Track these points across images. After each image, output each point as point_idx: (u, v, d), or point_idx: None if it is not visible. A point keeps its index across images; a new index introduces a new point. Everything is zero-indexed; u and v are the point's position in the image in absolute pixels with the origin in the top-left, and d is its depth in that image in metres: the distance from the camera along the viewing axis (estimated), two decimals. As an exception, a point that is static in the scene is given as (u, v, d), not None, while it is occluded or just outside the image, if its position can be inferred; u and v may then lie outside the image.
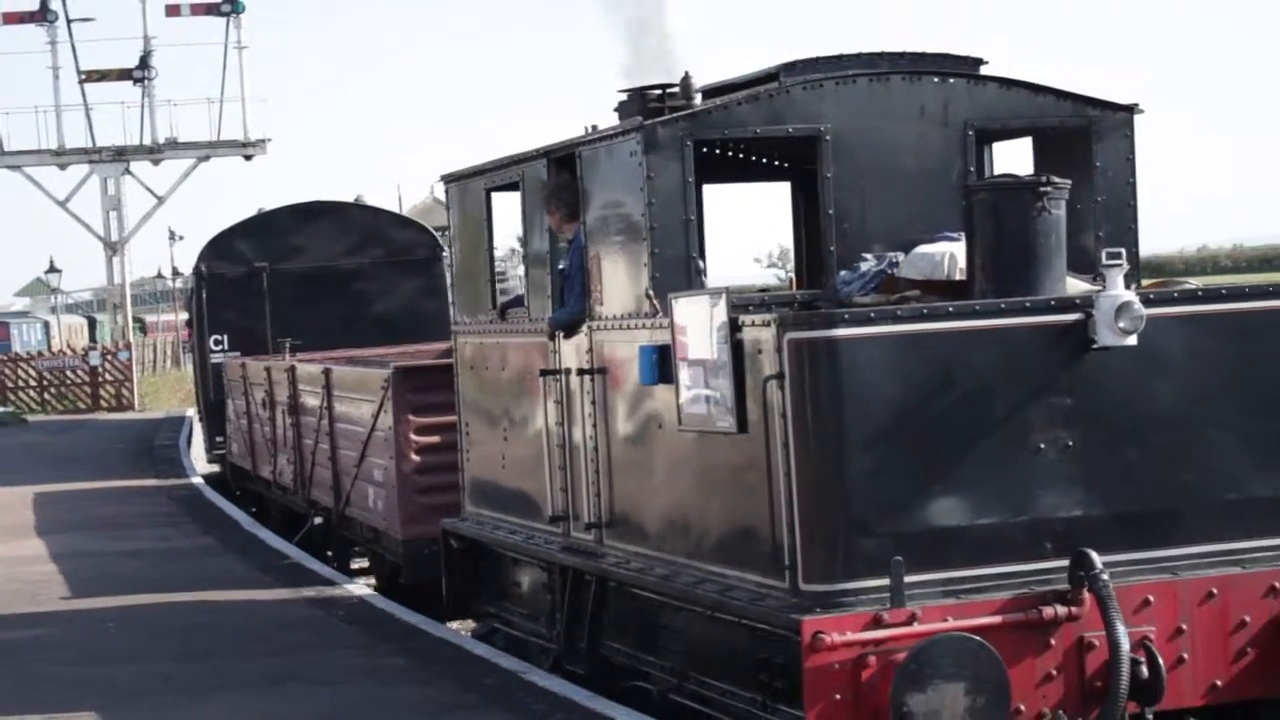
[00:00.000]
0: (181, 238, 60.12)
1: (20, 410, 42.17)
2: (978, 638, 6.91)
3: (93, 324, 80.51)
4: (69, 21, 45.78)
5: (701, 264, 8.32)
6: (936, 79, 8.76)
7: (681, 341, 7.98)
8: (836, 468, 7.19)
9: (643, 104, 9.05)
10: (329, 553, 16.37)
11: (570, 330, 9.32)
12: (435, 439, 12.72)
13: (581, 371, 9.21)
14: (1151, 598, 7.43)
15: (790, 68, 8.72)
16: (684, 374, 7.98)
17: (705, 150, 9.07)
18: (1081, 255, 8.68)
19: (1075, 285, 7.98)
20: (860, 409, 7.18)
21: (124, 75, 46.18)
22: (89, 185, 46.61)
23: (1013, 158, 9.60)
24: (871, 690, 6.98)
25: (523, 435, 10.21)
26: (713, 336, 7.69)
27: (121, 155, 46.34)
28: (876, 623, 7.04)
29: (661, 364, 8.21)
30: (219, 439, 24.61)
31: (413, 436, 13.09)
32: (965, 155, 8.76)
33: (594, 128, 9.22)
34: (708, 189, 9.72)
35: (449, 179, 11.19)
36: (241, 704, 9.38)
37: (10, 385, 44.42)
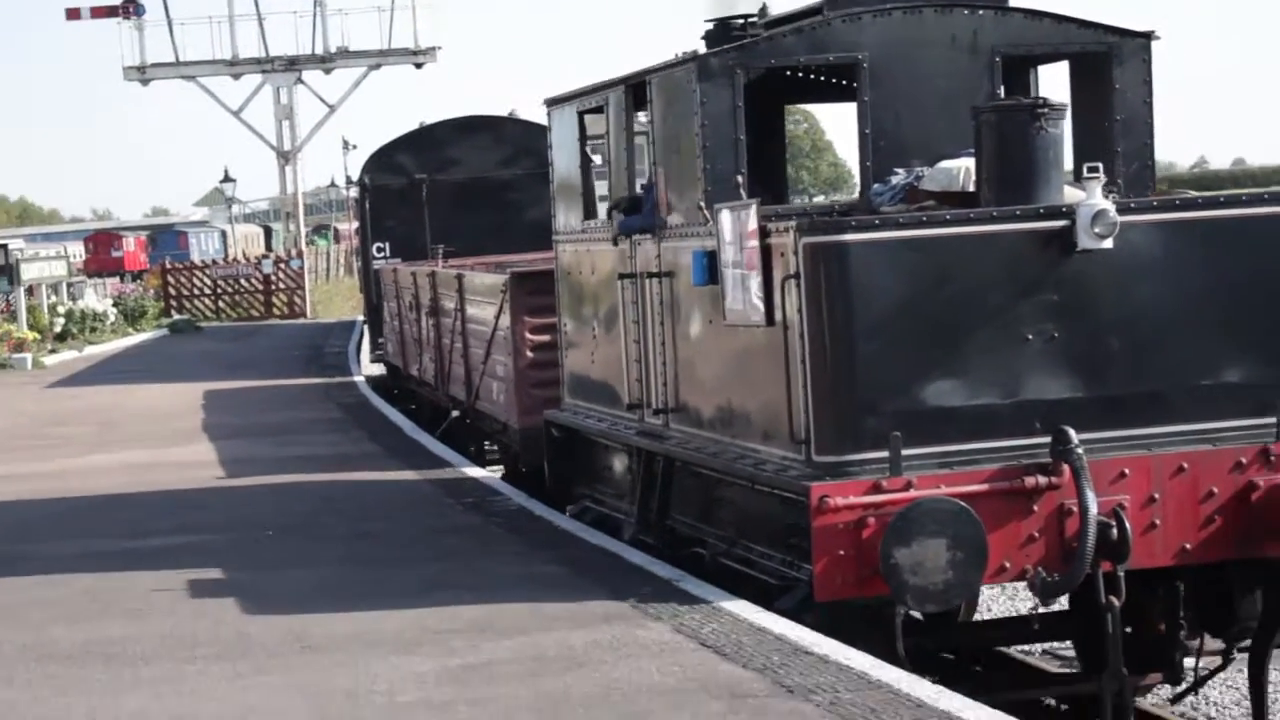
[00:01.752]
0: (355, 147, 62.62)
1: (195, 318, 44.69)
2: (959, 501, 8.30)
3: (269, 233, 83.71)
4: (243, -69, 48.02)
5: (740, 179, 9.69)
6: (966, 10, 10.06)
7: (724, 246, 9.44)
8: (843, 355, 8.62)
9: (724, 33, 10.50)
10: (470, 448, 18.10)
11: (634, 233, 10.85)
12: (548, 338, 14.27)
13: (651, 275, 10.72)
14: (1127, 470, 8.74)
15: (833, 3, 10.08)
16: (727, 275, 9.44)
17: (787, 74, 10.45)
18: (1105, 168, 10.00)
19: (1075, 194, 9.26)
20: (864, 304, 8.60)
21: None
22: (262, 95, 49.06)
23: (1056, 81, 10.87)
24: (870, 547, 8.39)
25: (607, 332, 11.77)
26: (745, 241, 9.14)
27: (294, 64, 48.66)
28: (876, 489, 8.46)
29: (710, 267, 9.67)
30: (380, 340, 26.76)
31: (528, 335, 14.71)
32: (993, 79, 10.06)
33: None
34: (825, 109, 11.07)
35: (549, 102, 12.71)
36: (401, 610, 9.33)
37: (186, 294, 47.04)
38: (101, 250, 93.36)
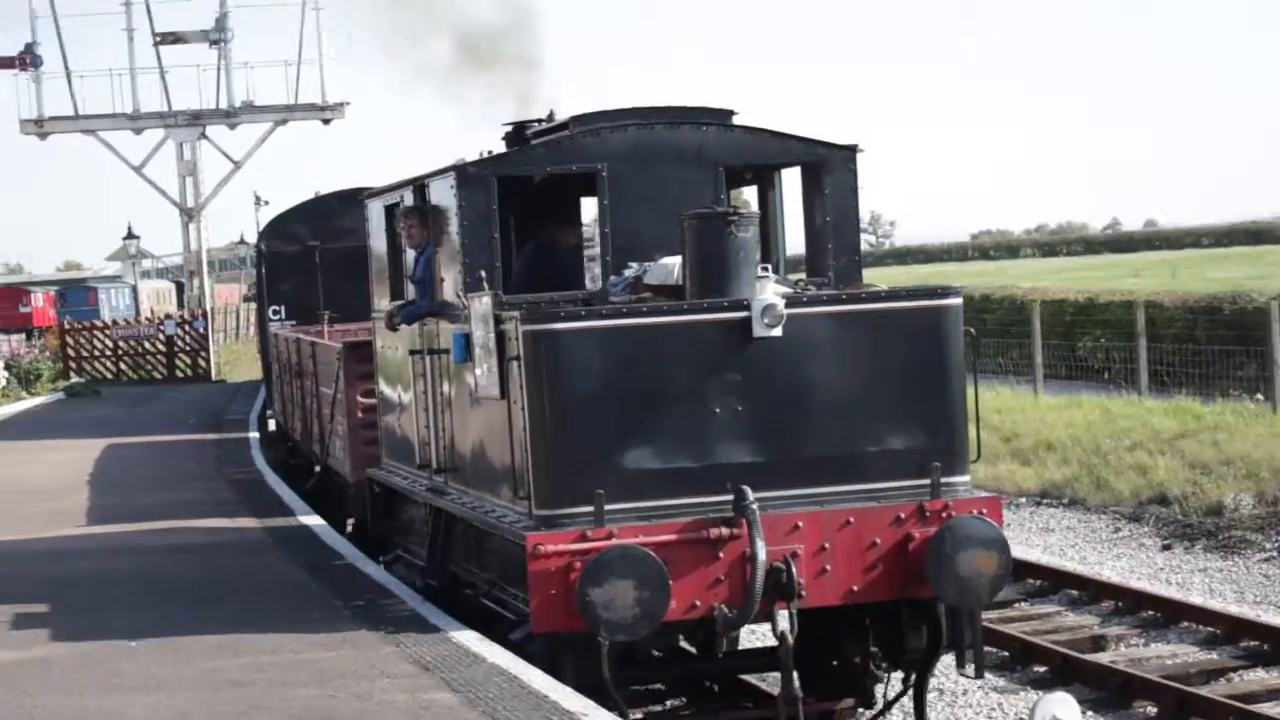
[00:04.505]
0: (267, 202, 64.91)
1: (95, 380, 46.81)
2: (644, 548, 10.74)
3: (181, 288, 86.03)
4: (145, -17, 50.35)
5: (489, 273, 12.12)
6: (692, 126, 12.59)
7: (475, 330, 11.93)
8: (555, 423, 11.09)
9: (519, 134, 13.06)
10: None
11: (414, 321, 13.37)
12: (375, 401, 16.77)
13: (430, 351, 13.21)
14: (800, 523, 11.20)
15: (579, 119, 12.60)
16: (476, 354, 11.93)
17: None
18: (817, 261, 12.57)
19: (777, 288, 11.76)
20: (573, 381, 11.06)
21: (199, 38, 50.74)
22: (165, 150, 51.37)
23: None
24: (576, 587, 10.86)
25: (404, 400, 14.25)
26: (487, 327, 11.63)
27: (198, 119, 50.97)
28: (582, 537, 10.91)
29: (467, 347, 12.15)
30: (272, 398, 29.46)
31: (359, 399, 17.20)
32: (716, 187, 12.55)
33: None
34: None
35: (365, 196, 15.24)
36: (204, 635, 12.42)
37: (86, 354, 49.26)
38: (8, 305, 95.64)
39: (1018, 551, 18.97)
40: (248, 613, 12.99)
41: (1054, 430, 27.12)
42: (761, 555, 10.92)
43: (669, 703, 13.53)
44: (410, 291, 13.81)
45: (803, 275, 13.01)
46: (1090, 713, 13.58)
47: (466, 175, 12.32)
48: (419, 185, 13.37)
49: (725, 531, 11.06)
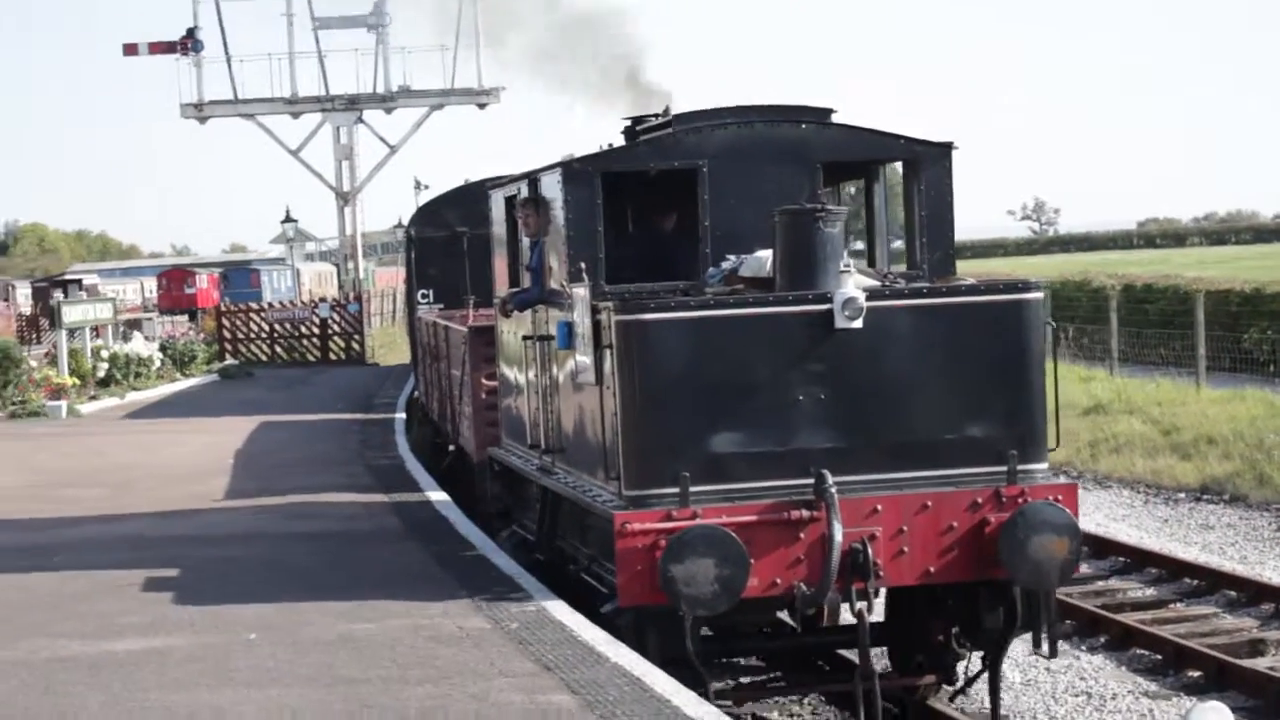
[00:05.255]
0: (427, 187, 66.46)
1: (250, 362, 48.51)
2: (723, 528, 11.63)
3: (345, 270, 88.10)
4: (306, -33, 52.03)
5: (591, 264, 13.03)
6: (790, 125, 13.45)
7: (576, 318, 12.89)
8: (643, 409, 12.00)
9: (630, 130, 14.04)
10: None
11: (525, 308, 14.38)
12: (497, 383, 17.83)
13: (540, 338, 14.19)
14: (879, 507, 12.04)
15: (682, 117, 13.51)
16: (578, 342, 12.88)
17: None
18: (912, 254, 13.41)
19: (862, 280, 12.60)
20: (660, 368, 11.97)
21: (356, 22, 52.37)
22: (322, 134, 53.05)
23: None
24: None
25: (519, 383, 15.27)
26: (585, 316, 12.59)
27: (354, 104, 52.58)
28: (668, 517, 11.83)
29: (570, 334, 13.11)
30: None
31: (483, 380, 18.23)
32: (814, 183, 13.40)
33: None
34: None
35: (489, 186, 16.26)
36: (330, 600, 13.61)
37: (242, 336, 51.00)
38: (175, 287, 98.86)
39: (1173, 549, 20.18)
40: (369, 605, 13.29)
41: (1216, 424, 26.96)
42: (838, 536, 11.76)
43: (765, 676, 14.49)
44: (525, 279, 14.82)
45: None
46: (1245, 722, 13.50)
47: (572, 171, 13.26)
48: (533, 179, 14.34)
49: (805, 513, 11.91)
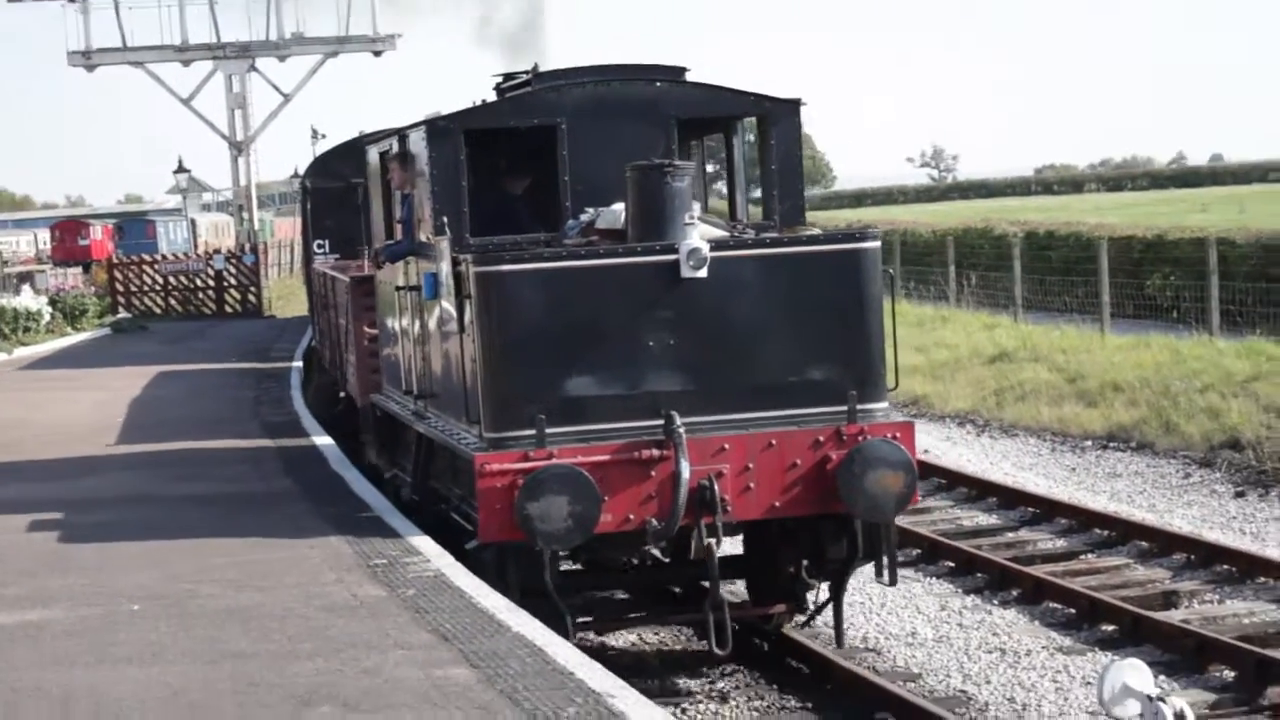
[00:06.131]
0: (324, 136, 67.17)
1: (143, 316, 49.21)
2: (575, 467, 12.71)
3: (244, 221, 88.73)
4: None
5: (452, 218, 14.09)
6: (645, 83, 14.52)
7: (440, 269, 13.95)
8: (500, 355, 13.07)
9: (501, 87, 15.09)
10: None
11: (396, 260, 15.48)
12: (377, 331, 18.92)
13: (409, 288, 15.26)
14: (727, 445, 13.14)
15: (541, 76, 14.57)
16: (442, 291, 13.95)
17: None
18: (765, 206, 14.54)
19: (709, 231, 13.70)
20: (516, 317, 13.03)
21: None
22: (214, 83, 53.68)
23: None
24: (519, 502, 12.88)
25: (394, 331, 16.35)
26: (447, 267, 13.66)
27: (247, 51, 53.20)
28: (524, 458, 12.91)
29: (435, 285, 14.17)
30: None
31: (365, 329, 19.28)
32: (668, 138, 14.46)
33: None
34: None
35: (365, 141, 17.28)
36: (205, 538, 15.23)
37: (135, 289, 51.70)
38: (68, 239, 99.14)
39: (1082, 498, 21.09)
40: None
41: (1121, 371, 27.54)
42: (685, 474, 12.86)
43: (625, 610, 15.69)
44: (397, 232, 15.87)
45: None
46: (1162, 677, 13.45)
47: (436, 128, 14.29)
48: (402, 135, 15.36)
49: (655, 453, 13.01)
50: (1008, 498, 21.06)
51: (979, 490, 21.77)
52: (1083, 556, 18.27)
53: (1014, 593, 16.78)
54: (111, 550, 14.36)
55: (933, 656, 14.92)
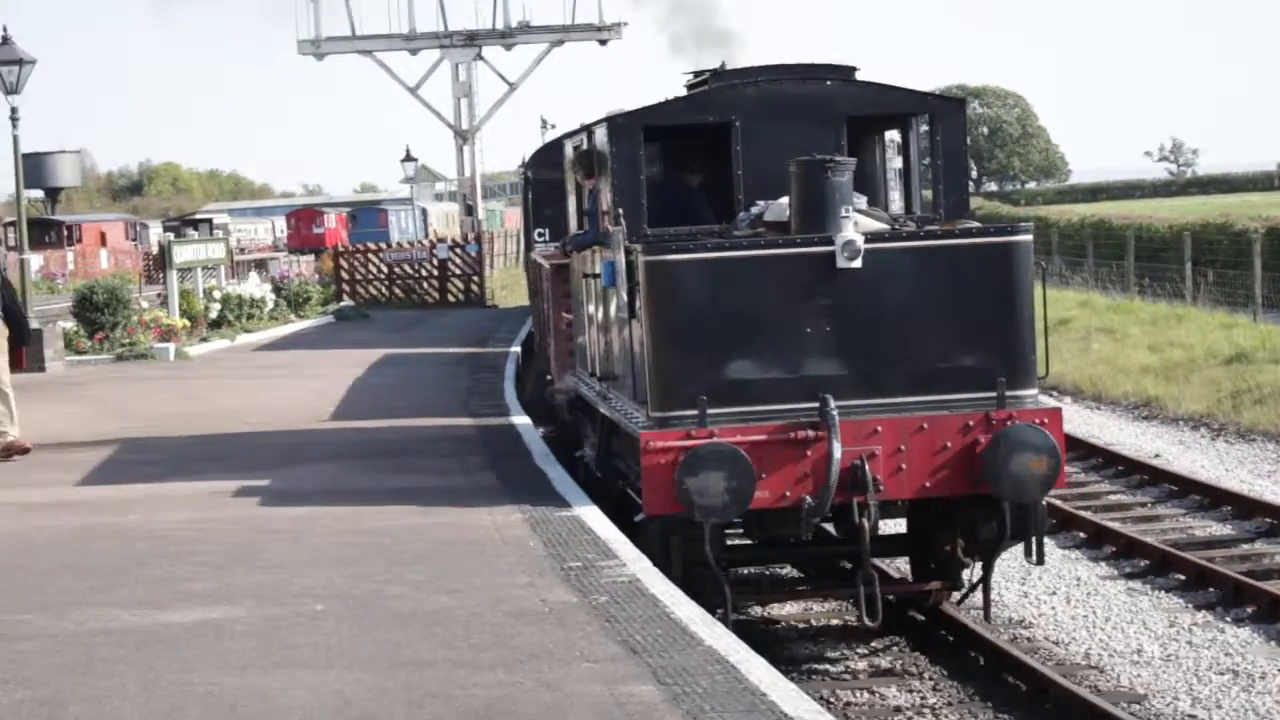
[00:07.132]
0: (554, 125, 69.00)
1: (366, 303, 51.19)
2: (731, 445, 14.05)
3: (470, 211, 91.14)
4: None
5: (629, 211, 15.52)
6: (816, 83, 15.85)
7: (617, 259, 15.40)
8: (667, 340, 14.47)
9: (692, 83, 16.58)
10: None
11: (582, 249, 16.99)
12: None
13: (593, 275, 16.73)
14: (879, 428, 14.42)
15: (718, 75, 15.99)
16: (618, 280, 15.40)
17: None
18: (934, 200, 15.82)
19: (868, 224, 14.99)
20: (680, 304, 14.42)
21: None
22: (440, 71, 55.70)
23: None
24: (680, 478, 14.27)
25: (584, 317, 17.86)
26: (621, 256, 15.10)
27: (473, 40, 55.08)
28: (687, 436, 14.29)
29: (613, 272, 15.63)
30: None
31: (563, 314, 20.80)
32: (837, 136, 15.77)
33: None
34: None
35: (563, 137, 18.83)
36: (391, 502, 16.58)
37: (360, 278, 53.78)
38: (304, 227, 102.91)
39: None
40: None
41: None
42: (837, 454, 14.17)
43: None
44: (586, 223, 17.39)
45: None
46: None
47: (616, 125, 15.77)
48: (589, 131, 16.86)
49: (810, 433, 14.32)
50: (1243, 507, 20.63)
51: (1212, 499, 21.42)
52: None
53: (1249, 610, 16.39)
54: (304, 545, 14.46)
55: (1159, 677, 14.72)
